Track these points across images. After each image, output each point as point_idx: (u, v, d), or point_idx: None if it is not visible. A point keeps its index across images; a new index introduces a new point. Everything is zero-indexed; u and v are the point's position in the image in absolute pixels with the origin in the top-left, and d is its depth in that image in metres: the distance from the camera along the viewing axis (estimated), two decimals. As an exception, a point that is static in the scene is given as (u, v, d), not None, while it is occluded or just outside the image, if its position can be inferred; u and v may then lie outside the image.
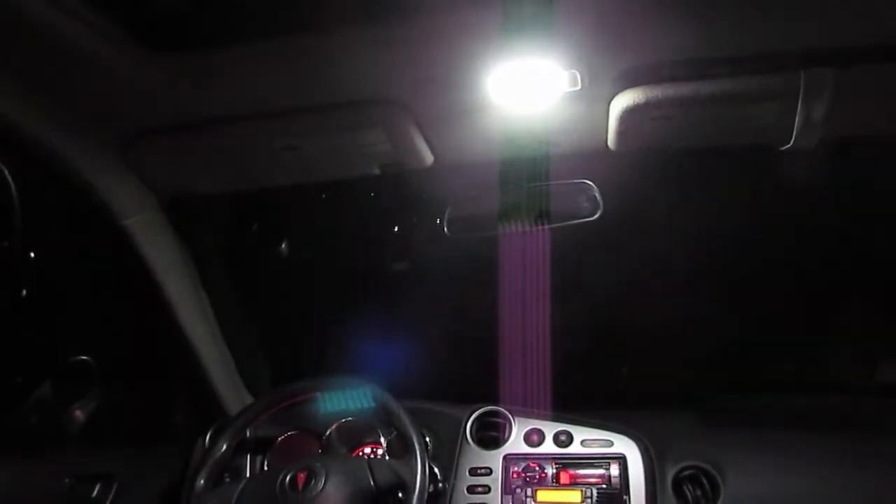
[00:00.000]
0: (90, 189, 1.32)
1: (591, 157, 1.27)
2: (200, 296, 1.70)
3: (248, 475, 1.59)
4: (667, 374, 1.86)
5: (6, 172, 1.45)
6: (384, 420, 1.51)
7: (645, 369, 1.90)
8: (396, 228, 2.00)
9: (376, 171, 1.31)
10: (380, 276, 1.97)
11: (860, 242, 1.75)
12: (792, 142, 1.13)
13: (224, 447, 1.47)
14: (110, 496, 1.52)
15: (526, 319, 1.60)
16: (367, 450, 1.64)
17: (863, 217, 1.74)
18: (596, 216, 1.35)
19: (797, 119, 1.09)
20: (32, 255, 1.80)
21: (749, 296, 1.80)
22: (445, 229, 1.46)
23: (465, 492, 1.50)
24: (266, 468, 1.62)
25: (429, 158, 1.27)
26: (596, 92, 1.10)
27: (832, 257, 1.75)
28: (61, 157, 1.24)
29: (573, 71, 1.06)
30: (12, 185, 1.48)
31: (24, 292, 1.80)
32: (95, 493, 1.50)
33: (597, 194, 1.35)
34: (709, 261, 1.76)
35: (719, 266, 1.77)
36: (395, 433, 1.52)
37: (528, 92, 1.10)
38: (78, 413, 1.79)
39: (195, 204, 1.60)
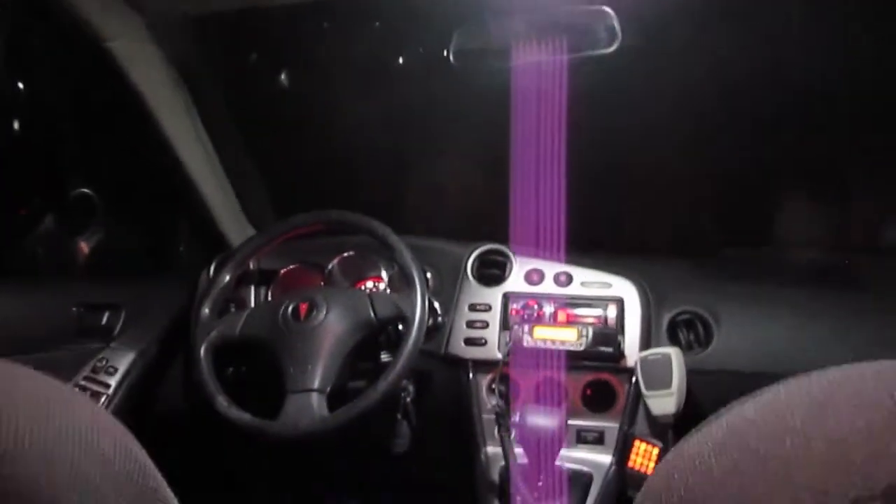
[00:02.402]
0: (67, 7, 1.23)
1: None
2: (197, 126, 1.65)
3: (252, 306, 1.63)
4: (672, 222, 1.84)
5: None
6: (386, 255, 1.51)
7: (650, 216, 1.88)
8: (401, 59, 1.90)
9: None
10: (383, 109, 1.89)
11: (883, 96, 1.64)
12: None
13: (227, 279, 1.49)
14: (119, 324, 1.55)
15: (534, 158, 1.55)
16: (369, 283, 1.66)
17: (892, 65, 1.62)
18: (612, 48, 1.25)
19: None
20: (21, 85, 1.73)
21: (760, 147, 1.73)
22: (451, 59, 1.37)
23: (465, 326, 1.53)
24: (269, 299, 1.65)
25: (435, -23, 1.17)
26: None
27: (849, 110, 1.66)
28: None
29: None
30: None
31: (17, 125, 1.75)
32: (104, 320, 1.54)
33: (615, 24, 1.24)
34: (724, 105, 1.67)
35: (734, 111, 1.68)
36: (396, 268, 1.53)
37: None
38: (83, 245, 1.80)
39: (187, 29, 1.50)
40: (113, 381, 1.49)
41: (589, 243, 1.67)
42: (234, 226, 1.81)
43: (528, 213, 1.56)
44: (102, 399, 1.47)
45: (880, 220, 1.79)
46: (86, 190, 1.82)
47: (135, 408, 1.54)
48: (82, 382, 1.47)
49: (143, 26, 1.37)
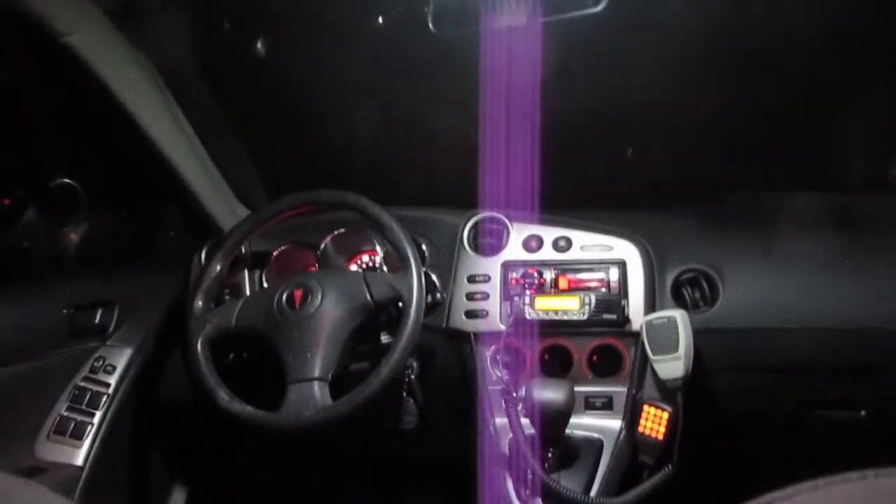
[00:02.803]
0: (20, 6, 1.16)
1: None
2: (173, 110, 1.59)
3: (247, 292, 1.59)
4: (670, 170, 1.78)
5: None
6: (378, 231, 1.47)
7: (648, 166, 1.82)
8: (381, 19, 1.80)
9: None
10: (364, 74, 1.81)
11: (888, 31, 1.55)
12: None
13: (218, 268, 1.45)
14: (113, 321, 1.52)
15: (521, 120, 1.49)
16: (365, 258, 1.62)
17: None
18: (600, 7, 1.17)
19: None
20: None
21: (761, 87, 1.65)
22: (431, 25, 1.30)
23: (465, 299, 1.49)
24: (264, 283, 1.62)
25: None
26: None
27: (852, 46, 1.57)
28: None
29: None
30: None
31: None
32: (98, 319, 1.50)
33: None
34: (718, 54, 1.58)
35: (732, 54, 1.59)
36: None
37: None
38: (69, 236, 1.76)
39: (150, 11, 1.42)
40: (113, 380, 1.47)
41: (586, 199, 1.62)
42: (223, 208, 1.77)
43: (513, 175, 1.51)
44: (104, 399, 1.45)
45: (883, 158, 1.73)
46: (68, 180, 1.77)
47: (136, 405, 1.53)
48: (81, 384, 1.45)
49: (100, 16, 1.29)
